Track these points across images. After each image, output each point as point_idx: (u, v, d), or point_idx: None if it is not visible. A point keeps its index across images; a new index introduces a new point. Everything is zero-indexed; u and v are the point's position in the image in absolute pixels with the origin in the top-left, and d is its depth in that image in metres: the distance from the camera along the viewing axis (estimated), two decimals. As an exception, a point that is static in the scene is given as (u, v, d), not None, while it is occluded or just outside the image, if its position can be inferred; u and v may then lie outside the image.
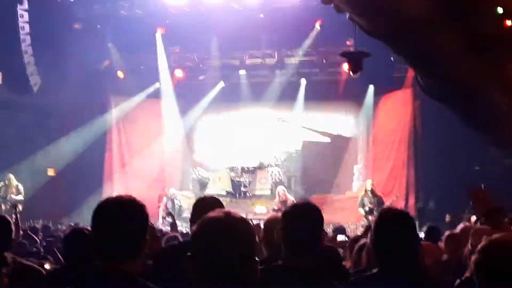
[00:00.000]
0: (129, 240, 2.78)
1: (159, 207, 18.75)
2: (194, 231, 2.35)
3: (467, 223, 8.43)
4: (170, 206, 18.11)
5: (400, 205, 17.28)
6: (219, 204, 4.16)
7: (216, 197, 4.72)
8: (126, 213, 2.80)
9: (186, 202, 18.68)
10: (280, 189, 17.40)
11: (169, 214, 12.05)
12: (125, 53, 20.00)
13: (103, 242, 2.79)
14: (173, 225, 9.96)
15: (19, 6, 15.12)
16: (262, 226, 4.97)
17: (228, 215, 2.33)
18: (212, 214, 2.35)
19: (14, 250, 5.00)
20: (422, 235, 8.33)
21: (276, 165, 20.19)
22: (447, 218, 15.48)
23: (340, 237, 9.05)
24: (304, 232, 3.40)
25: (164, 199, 18.39)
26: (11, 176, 16.99)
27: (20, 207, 16.64)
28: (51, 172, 19.30)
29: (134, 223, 2.80)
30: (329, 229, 16.89)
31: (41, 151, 18.83)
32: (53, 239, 9.77)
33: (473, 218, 11.08)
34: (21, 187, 16.90)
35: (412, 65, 11.52)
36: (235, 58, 20.41)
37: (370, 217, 16.10)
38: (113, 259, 2.77)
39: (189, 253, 2.30)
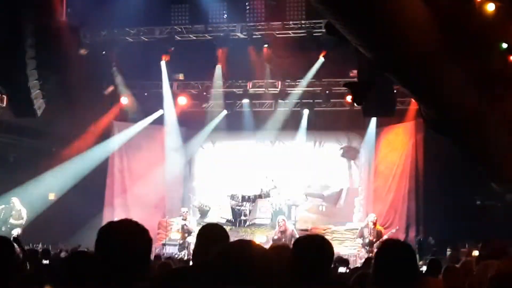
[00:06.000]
0: (132, 263, 2.79)
1: (158, 233, 18.73)
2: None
3: (468, 258, 8.39)
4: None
5: (400, 237, 17.18)
6: (224, 233, 4.10)
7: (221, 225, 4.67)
8: (130, 236, 2.82)
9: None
10: (280, 218, 17.34)
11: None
12: (129, 79, 20.13)
13: (107, 265, 2.80)
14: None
15: (24, 30, 15.23)
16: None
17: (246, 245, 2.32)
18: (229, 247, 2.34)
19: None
20: (424, 268, 8.30)
21: (277, 194, 20.14)
22: (449, 251, 15.40)
23: (341, 269, 8.99)
24: (314, 263, 3.41)
25: (179, 220, 18.25)
26: (16, 200, 16.92)
27: (19, 230, 16.57)
28: (51, 196, 19.28)
29: (137, 246, 2.82)
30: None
31: (43, 175, 18.83)
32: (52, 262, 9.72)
33: (475, 252, 11.05)
34: (24, 212, 16.80)
35: (416, 97, 11.57)
36: (238, 87, 20.48)
37: (368, 248, 16.06)
38: (116, 282, 2.77)
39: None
